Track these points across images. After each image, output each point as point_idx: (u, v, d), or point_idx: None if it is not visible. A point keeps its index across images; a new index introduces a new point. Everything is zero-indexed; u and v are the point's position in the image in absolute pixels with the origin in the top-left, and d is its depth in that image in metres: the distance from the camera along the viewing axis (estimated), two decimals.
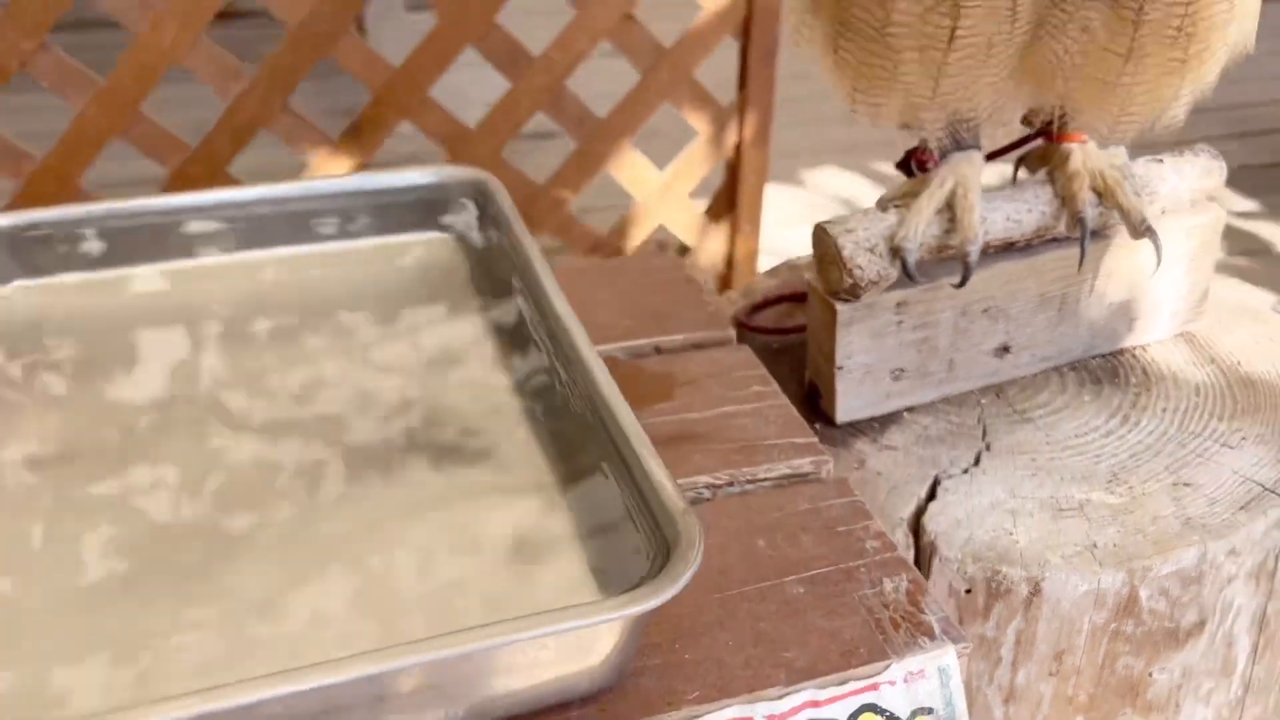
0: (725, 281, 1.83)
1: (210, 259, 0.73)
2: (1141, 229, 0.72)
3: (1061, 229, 0.74)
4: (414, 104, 1.52)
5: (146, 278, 0.72)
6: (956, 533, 0.65)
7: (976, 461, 0.71)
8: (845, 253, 0.69)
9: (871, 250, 0.69)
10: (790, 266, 0.98)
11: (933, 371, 0.76)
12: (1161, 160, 0.76)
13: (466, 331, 0.69)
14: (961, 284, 0.71)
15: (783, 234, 2.28)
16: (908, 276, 0.70)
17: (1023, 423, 0.74)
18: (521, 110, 1.56)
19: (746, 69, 1.63)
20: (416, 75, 1.50)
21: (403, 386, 0.64)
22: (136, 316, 0.69)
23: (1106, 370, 0.79)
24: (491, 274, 0.73)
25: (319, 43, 1.45)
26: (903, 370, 0.75)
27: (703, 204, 1.77)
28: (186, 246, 0.73)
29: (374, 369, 0.65)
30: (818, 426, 0.75)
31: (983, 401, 0.77)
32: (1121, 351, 0.81)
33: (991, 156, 0.77)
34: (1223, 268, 2.24)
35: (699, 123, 1.66)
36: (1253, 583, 0.67)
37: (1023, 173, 0.79)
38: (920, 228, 0.69)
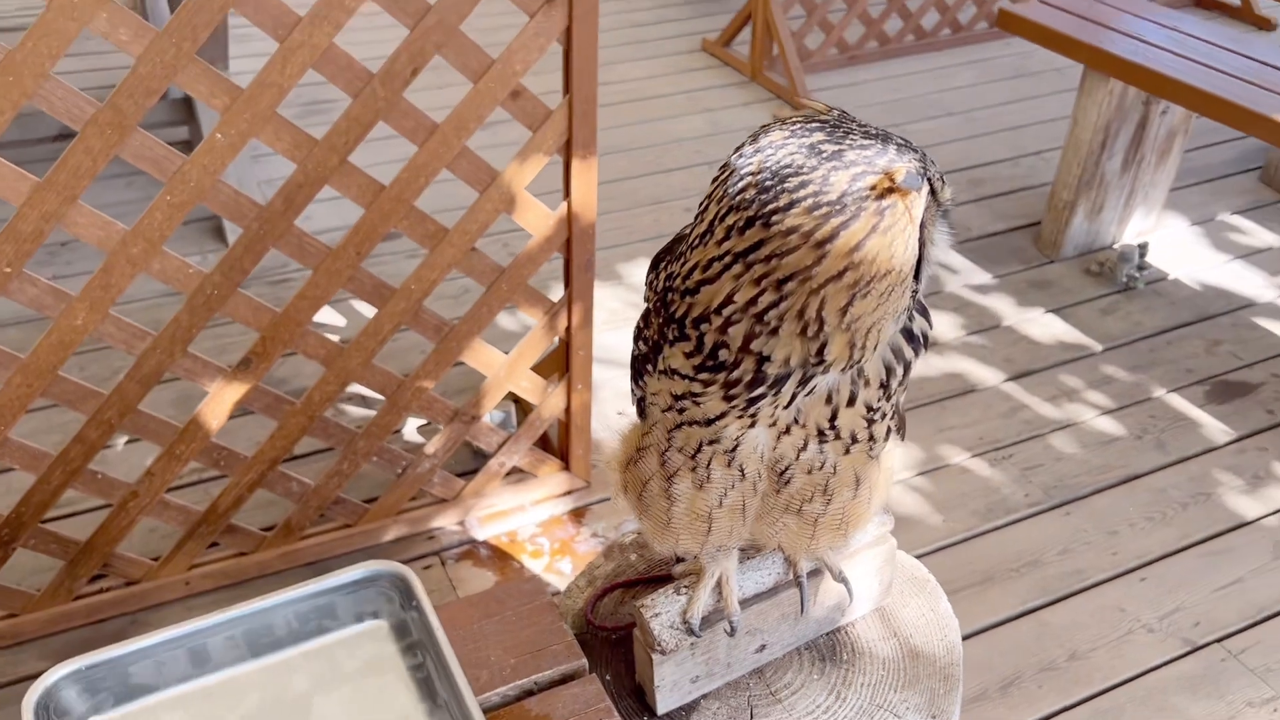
0: (565, 427, 2.20)
1: (217, 676, 1.05)
2: (839, 579, 1.14)
3: (790, 580, 1.15)
4: (295, 337, 1.81)
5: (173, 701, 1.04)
6: None
7: None
8: (655, 632, 1.07)
9: (672, 626, 1.08)
10: (620, 547, 1.36)
11: (717, 671, 1.16)
12: None
13: None
14: (731, 634, 1.11)
15: (604, 339, 2.65)
16: (696, 635, 1.09)
17: (775, 704, 1.15)
18: (385, 329, 1.87)
19: (570, 274, 1.98)
20: (296, 316, 1.79)
21: None
22: None
23: (829, 648, 1.21)
24: (417, 656, 1.08)
25: (211, 304, 1.72)
26: (698, 676, 1.14)
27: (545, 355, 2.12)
28: (203, 663, 1.05)
29: None
30: (645, 718, 1.14)
31: (750, 684, 1.18)
32: (839, 629, 1.23)
33: None
34: (961, 347, 2.75)
35: (534, 315, 2.01)
36: None
37: None
38: (699, 609, 1.08)
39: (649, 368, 0.92)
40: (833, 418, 0.86)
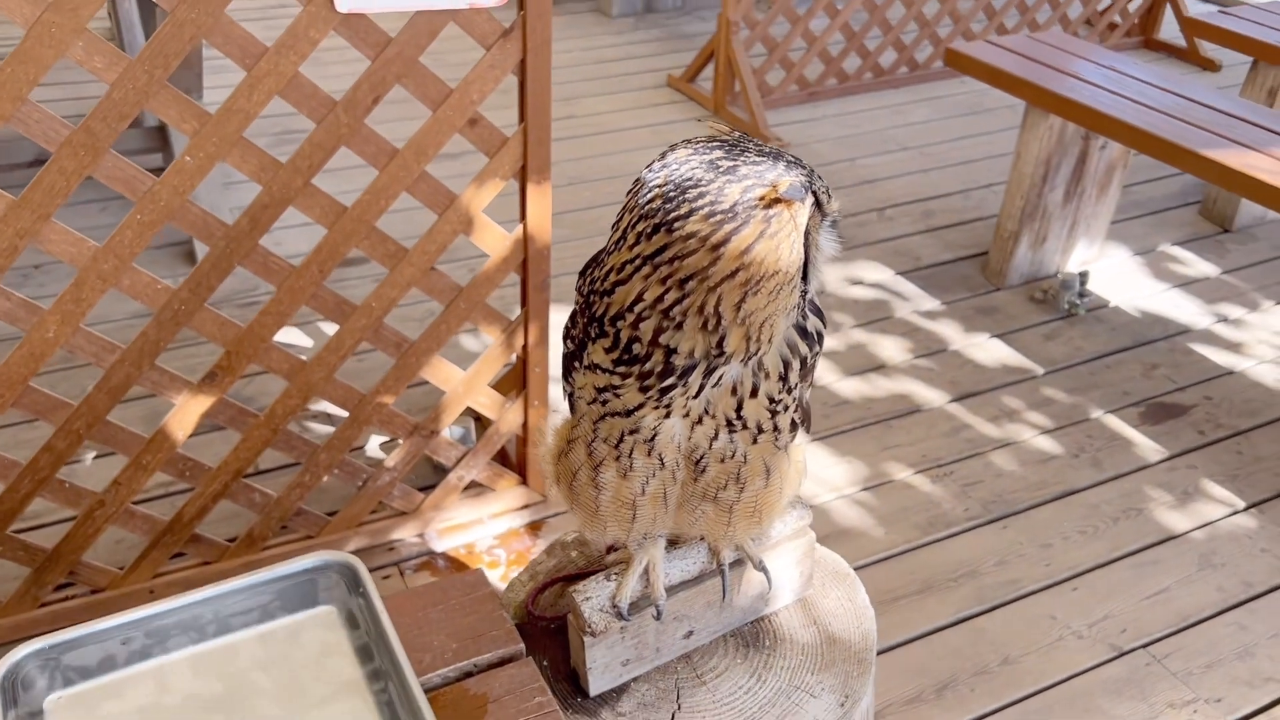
0: (523, 442, 2.28)
1: (182, 652, 1.12)
2: (759, 568, 1.22)
3: (714, 568, 1.23)
4: (260, 351, 1.89)
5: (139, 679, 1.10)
6: None
7: (673, 718, 1.20)
8: (585, 615, 1.15)
9: (602, 610, 1.16)
10: (562, 545, 1.44)
11: (646, 656, 1.24)
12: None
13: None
14: (658, 619, 1.19)
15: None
16: (624, 619, 1.17)
17: (700, 686, 1.23)
18: (347, 344, 1.96)
19: (526, 294, 2.07)
20: (261, 331, 1.87)
21: None
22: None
23: (753, 634, 1.30)
24: (364, 645, 1.16)
25: (179, 318, 1.79)
26: (629, 660, 1.22)
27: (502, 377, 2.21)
28: (160, 646, 1.12)
29: None
30: (579, 700, 1.22)
31: (678, 668, 1.26)
32: (763, 618, 1.31)
33: None
34: (908, 369, 2.86)
35: (492, 333, 2.09)
36: None
37: None
38: (628, 594, 1.16)
39: (576, 364, 1.01)
40: (739, 408, 0.95)
